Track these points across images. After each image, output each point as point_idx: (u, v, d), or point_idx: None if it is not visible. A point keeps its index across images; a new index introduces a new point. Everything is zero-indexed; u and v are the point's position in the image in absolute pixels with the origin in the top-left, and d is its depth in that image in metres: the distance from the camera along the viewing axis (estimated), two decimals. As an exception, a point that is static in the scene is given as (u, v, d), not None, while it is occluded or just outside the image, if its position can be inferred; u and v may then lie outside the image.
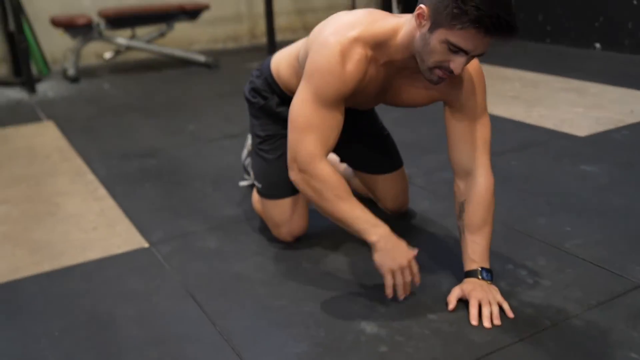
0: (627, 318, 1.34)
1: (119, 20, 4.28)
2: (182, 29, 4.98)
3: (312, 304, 1.45)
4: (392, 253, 1.33)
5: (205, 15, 4.93)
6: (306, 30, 4.09)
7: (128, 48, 4.47)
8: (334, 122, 1.39)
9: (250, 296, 1.50)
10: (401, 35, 1.33)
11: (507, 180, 2.07)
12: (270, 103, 1.69)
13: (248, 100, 1.76)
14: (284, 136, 1.60)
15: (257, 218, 1.91)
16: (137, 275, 1.62)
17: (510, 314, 1.36)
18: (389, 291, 1.34)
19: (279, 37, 4.82)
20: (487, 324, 1.33)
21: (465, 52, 1.21)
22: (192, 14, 4.53)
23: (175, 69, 4.48)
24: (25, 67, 3.92)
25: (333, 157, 1.88)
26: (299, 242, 1.76)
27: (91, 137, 2.81)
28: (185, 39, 5.04)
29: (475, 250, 1.44)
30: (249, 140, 2.16)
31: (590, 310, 1.37)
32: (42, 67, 4.48)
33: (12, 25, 4.06)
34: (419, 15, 1.25)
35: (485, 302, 1.36)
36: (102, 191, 2.19)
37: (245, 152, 2.16)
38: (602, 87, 3.32)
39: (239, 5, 5.29)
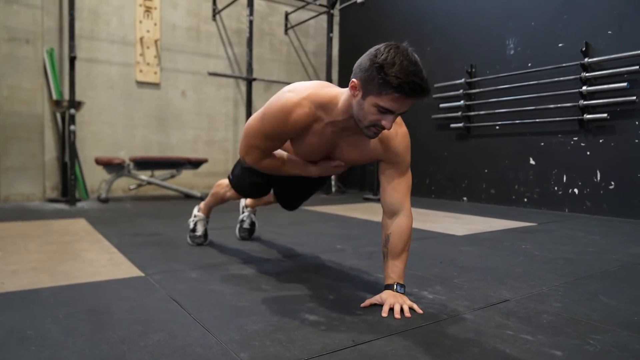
0: (499, 315, 1.27)
1: (143, 163, 4.25)
2: (186, 176, 4.99)
3: (268, 305, 1.31)
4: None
5: (203, 169, 4.98)
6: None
7: (148, 183, 4.39)
8: (273, 147, 1.37)
9: (220, 301, 1.35)
10: (341, 102, 1.23)
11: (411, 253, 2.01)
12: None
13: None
14: (255, 171, 1.64)
15: (229, 263, 1.79)
16: (133, 289, 1.44)
17: (419, 311, 1.27)
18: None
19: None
20: (397, 315, 1.22)
21: (392, 112, 1.14)
22: (195, 164, 4.56)
23: (179, 200, 4.41)
24: (71, 191, 3.79)
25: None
26: (260, 272, 1.63)
27: (111, 227, 2.64)
28: (188, 184, 5.01)
29: (394, 270, 1.35)
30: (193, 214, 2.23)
31: (474, 311, 1.29)
32: (83, 193, 4.33)
33: (67, 158, 3.98)
34: (352, 87, 1.17)
35: (396, 304, 1.26)
36: (113, 250, 2.02)
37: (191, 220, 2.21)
38: (471, 217, 3.42)
39: (227, 164, 5.38)
